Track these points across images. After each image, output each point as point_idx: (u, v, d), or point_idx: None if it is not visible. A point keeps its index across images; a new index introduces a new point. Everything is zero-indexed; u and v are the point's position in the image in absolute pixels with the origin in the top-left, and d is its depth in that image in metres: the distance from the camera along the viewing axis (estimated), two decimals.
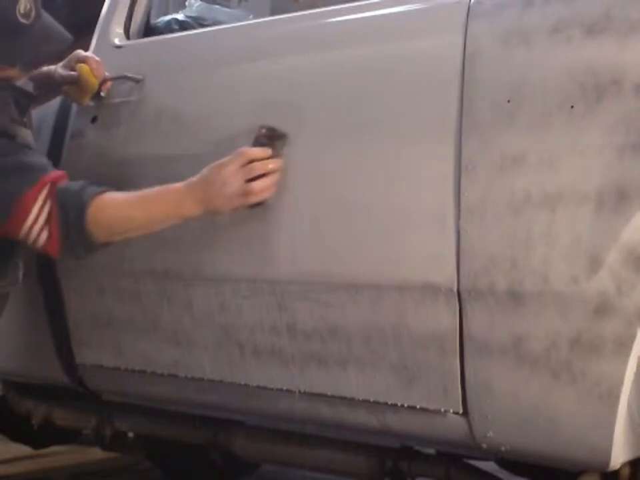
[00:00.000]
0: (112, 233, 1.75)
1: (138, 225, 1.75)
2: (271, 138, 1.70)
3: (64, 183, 1.76)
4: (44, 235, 1.73)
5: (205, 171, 1.69)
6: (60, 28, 1.89)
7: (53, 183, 1.74)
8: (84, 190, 1.74)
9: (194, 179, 1.70)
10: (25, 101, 1.91)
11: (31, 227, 1.72)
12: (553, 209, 1.39)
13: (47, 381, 2.31)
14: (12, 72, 1.85)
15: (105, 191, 1.75)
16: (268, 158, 1.68)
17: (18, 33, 1.76)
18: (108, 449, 2.44)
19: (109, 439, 2.33)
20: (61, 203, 1.72)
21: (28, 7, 1.75)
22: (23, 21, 1.74)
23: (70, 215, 1.71)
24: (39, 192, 1.72)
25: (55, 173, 1.78)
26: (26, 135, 1.86)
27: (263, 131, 1.71)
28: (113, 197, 1.75)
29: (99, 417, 2.34)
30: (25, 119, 1.90)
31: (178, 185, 1.71)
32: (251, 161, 1.67)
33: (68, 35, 1.91)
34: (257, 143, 1.71)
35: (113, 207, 1.74)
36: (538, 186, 1.41)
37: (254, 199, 1.68)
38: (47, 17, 1.83)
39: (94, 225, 1.72)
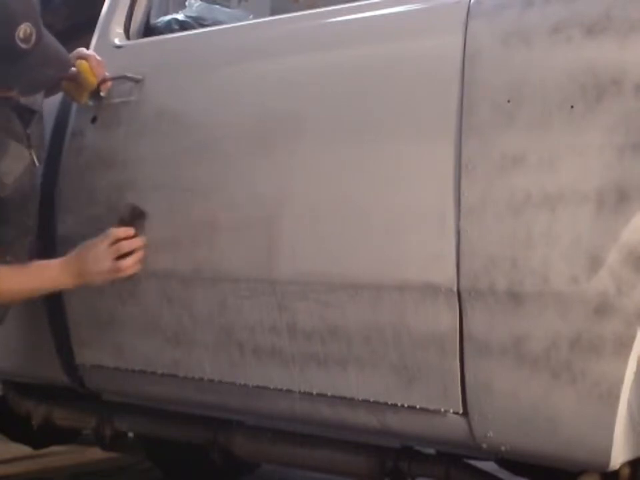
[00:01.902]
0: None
1: (18, 296, 1.93)
2: (133, 217, 1.89)
3: None
4: None
5: (79, 248, 1.88)
6: (60, 51, 1.87)
7: None
8: None
9: (69, 256, 1.89)
10: (28, 114, 1.91)
11: None
12: (553, 209, 1.39)
13: (47, 380, 2.31)
14: (11, 94, 1.85)
15: None
16: (133, 236, 1.88)
17: (16, 58, 1.74)
18: (108, 449, 2.44)
19: (108, 439, 2.33)
20: None
21: (28, 31, 1.72)
22: (23, 46, 1.72)
23: None
24: None
25: None
26: (15, 169, 1.89)
27: (126, 210, 1.89)
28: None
29: (98, 417, 2.34)
30: (29, 130, 1.91)
31: (54, 263, 1.90)
32: (118, 240, 1.86)
33: (68, 59, 1.91)
34: (122, 222, 1.90)
35: None
36: (538, 186, 1.41)
37: (123, 275, 1.87)
38: (48, 40, 1.81)
39: None
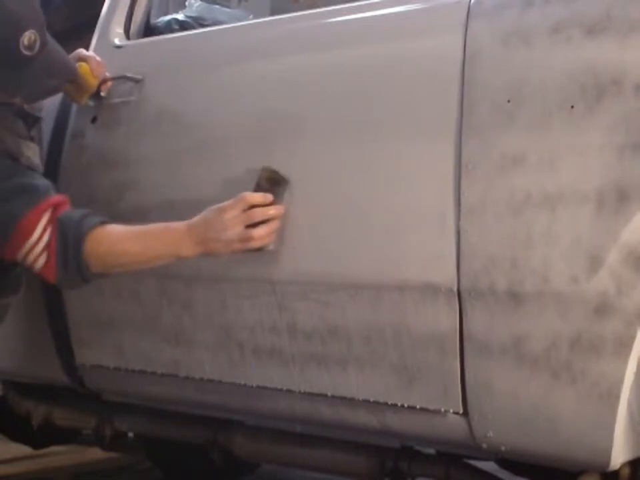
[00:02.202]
0: (108, 266, 1.75)
1: (134, 261, 1.75)
2: (273, 183, 1.68)
3: (65, 211, 1.75)
4: (41, 260, 1.73)
5: (205, 212, 1.68)
6: (65, 59, 1.87)
7: (55, 209, 1.74)
8: (84, 220, 1.73)
9: (195, 220, 1.69)
10: (31, 119, 1.92)
11: (31, 249, 1.72)
12: (553, 209, 1.39)
13: (47, 380, 2.31)
14: (15, 100, 1.84)
15: (104, 223, 1.74)
16: (269, 204, 1.67)
17: (20, 65, 1.73)
18: (108, 449, 2.44)
19: (108, 439, 2.33)
20: (61, 232, 1.72)
21: (32, 38, 1.70)
22: (26, 52, 1.71)
23: (69, 245, 1.71)
24: (41, 215, 1.72)
25: (56, 198, 1.77)
26: (32, 153, 1.86)
27: (265, 174, 1.69)
28: (112, 230, 1.74)
29: (99, 417, 2.34)
30: (32, 133, 1.91)
31: (178, 225, 1.70)
32: (252, 207, 1.66)
33: (72, 67, 1.90)
34: (259, 187, 1.69)
35: (111, 241, 1.73)
36: (538, 186, 1.41)
37: (253, 245, 1.67)
38: (53, 47, 1.80)
39: (91, 257, 1.71)
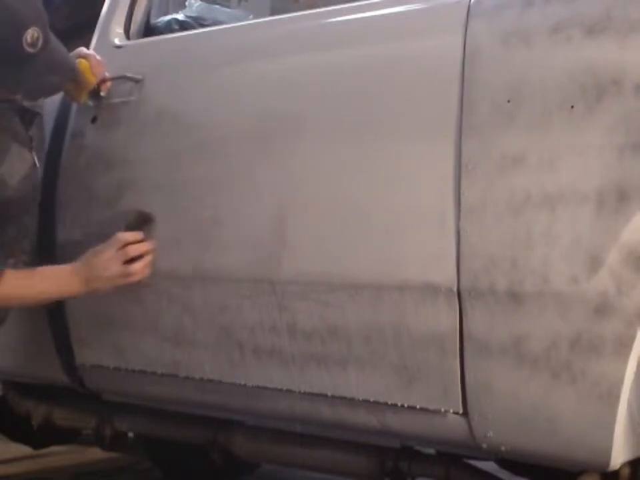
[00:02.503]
0: (5, 305, 1.92)
1: (26, 303, 1.94)
2: (141, 222, 1.88)
3: None
4: None
5: (87, 255, 1.88)
6: (67, 58, 1.87)
7: None
8: None
9: (78, 261, 1.88)
10: (29, 115, 1.92)
11: None
12: (553, 209, 1.39)
13: (47, 380, 2.31)
14: (15, 97, 1.85)
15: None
16: (141, 241, 1.87)
17: (22, 62, 1.73)
18: (108, 449, 2.44)
19: (108, 439, 2.33)
20: None
21: (35, 35, 1.71)
22: (29, 50, 1.71)
23: None
24: None
25: None
26: (15, 158, 1.87)
27: (133, 215, 1.89)
28: (4, 276, 1.84)
29: (98, 417, 2.33)
30: (30, 133, 1.91)
31: (64, 268, 1.89)
32: (126, 245, 1.85)
33: (73, 65, 1.91)
34: (129, 227, 1.89)
35: (5, 286, 1.83)
36: (538, 186, 1.41)
37: (133, 279, 1.86)
38: (55, 46, 1.81)
39: None
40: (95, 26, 2.21)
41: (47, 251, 2.07)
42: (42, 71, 1.77)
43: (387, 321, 1.58)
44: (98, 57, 2.01)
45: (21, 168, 1.88)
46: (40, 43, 1.73)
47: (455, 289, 1.49)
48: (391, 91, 1.61)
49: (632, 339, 1.34)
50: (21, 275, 1.88)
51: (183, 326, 1.88)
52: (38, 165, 1.95)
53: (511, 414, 1.47)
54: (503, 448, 1.51)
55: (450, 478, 1.77)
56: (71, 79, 1.93)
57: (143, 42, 2.18)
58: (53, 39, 1.79)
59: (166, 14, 2.27)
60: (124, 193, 1.96)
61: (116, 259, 1.85)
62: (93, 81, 2.00)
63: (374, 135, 1.61)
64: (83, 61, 1.98)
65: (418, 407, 1.58)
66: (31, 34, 1.71)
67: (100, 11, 2.23)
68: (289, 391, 1.74)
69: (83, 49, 2.03)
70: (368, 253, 1.59)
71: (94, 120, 2.07)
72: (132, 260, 1.85)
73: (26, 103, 1.90)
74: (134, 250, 1.86)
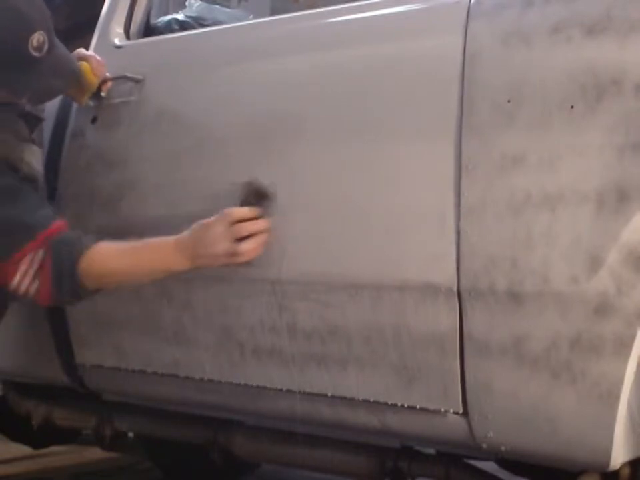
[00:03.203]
0: (102, 283, 1.79)
1: (127, 278, 1.79)
2: (259, 197, 1.70)
3: (59, 235, 1.77)
4: (33, 288, 1.75)
5: (193, 227, 1.71)
6: (71, 63, 1.88)
7: (50, 235, 1.75)
8: (77, 241, 1.76)
9: (183, 235, 1.71)
10: (34, 120, 1.92)
11: (19, 283, 1.75)
12: (553, 209, 1.39)
13: (47, 380, 2.31)
14: (20, 101, 1.85)
15: (97, 243, 1.77)
16: (255, 218, 1.69)
17: (28, 66, 1.73)
18: (108, 449, 2.44)
19: (109, 439, 2.33)
20: (56, 255, 1.74)
21: (41, 39, 1.71)
22: (35, 54, 1.71)
23: (63, 267, 1.74)
24: (31, 250, 1.74)
25: (50, 229, 1.77)
26: (33, 158, 1.87)
27: (252, 188, 1.71)
28: (105, 250, 1.77)
29: (98, 417, 2.34)
30: (33, 135, 1.91)
31: (168, 241, 1.73)
32: (239, 221, 1.67)
33: (76, 70, 1.91)
34: (245, 201, 1.71)
35: (104, 260, 1.76)
36: (538, 186, 1.41)
37: (240, 259, 1.68)
38: (60, 51, 1.81)
39: (85, 276, 1.74)
40: (94, 26, 2.21)
41: None
42: (47, 74, 1.77)
43: (386, 321, 1.58)
44: (98, 58, 2.01)
45: (29, 156, 1.88)
46: (45, 47, 1.73)
47: (455, 288, 1.49)
48: (391, 91, 1.61)
49: (632, 338, 1.34)
50: (117, 248, 1.77)
51: (183, 326, 1.88)
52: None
53: (511, 414, 1.47)
54: (502, 448, 1.51)
55: (450, 478, 1.77)
56: (74, 82, 1.94)
57: (143, 42, 2.18)
58: (58, 43, 1.80)
59: (166, 14, 2.27)
60: (124, 192, 1.96)
61: (226, 236, 1.67)
62: (94, 82, 2.00)
63: (374, 134, 1.61)
64: (84, 63, 1.98)
65: (418, 407, 1.58)
66: (36, 38, 1.71)
67: (100, 11, 2.23)
68: (289, 391, 1.74)
69: (82, 51, 2.03)
70: (368, 253, 1.59)
71: (94, 120, 2.07)
72: (243, 238, 1.68)
73: (30, 107, 1.90)
74: (247, 228, 1.67)
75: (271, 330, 1.73)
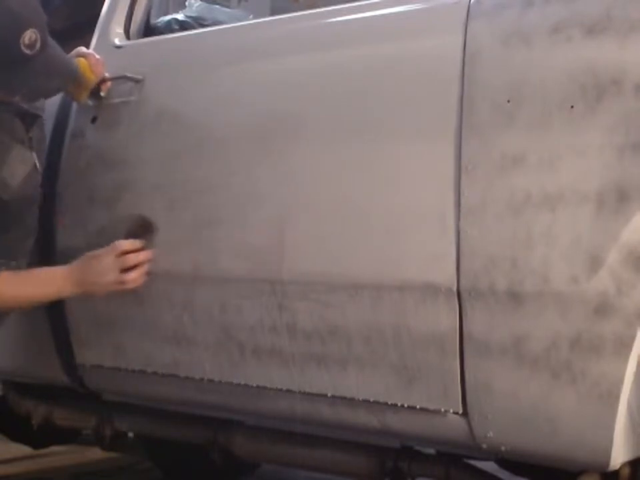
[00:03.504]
0: (3, 307, 1.94)
1: (22, 303, 1.94)
2: (144, 230, 1.88)
3: None
4: None
5: (84, 258, 1.89)
6: (66, 61, 1.87)
7: None
8: None
9: (74, 264, 1.89)
10: (30, 118, 1.92)
11: None
12: (553, 209, 1.39)
13: (47, 380, 2.31)
14: (14, 99, 1.85)
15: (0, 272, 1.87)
16: (139, 250, 1.87)
17: (20, 63, 1.73)
18: (108, 449, 2.44)
19: (109, 439, 2.33)
20: None
21: (33, 37, 1.71)
22: (27, 51, 1.71)
23: None
24: None
25: None
26: (19, 160, 1.89)
27: (136, 222, 1.88)
28: (5, 279, 1.87)
29: (99, 417, 2.33)
30: (30, 134, 1.91)
31: (58, 269, 1.92)
32: (125, 252, 1.86)
33: (73, 70, 1.91)
34: (129, 234, 1.89)
35: (3, 289, 1.87)
36: (538, 186, 1.41)
37: (127, 287, 1.88)
38: (54, 49, 1.80)
39: None
40: (94, 26, 2.21)
41: (46, 250, 2.07)
42: (40, 73, 1.76)
43: (387, 321, 1.58)
44: (97, 56, 2.01)
45: (23, 169, 1.89)
46: (38, 45, 1.72)
47: (455, 288, 1.49)
48: (391, 91, 1.61)
49: (632, 339, 1.34)
50: (16, 276, 1.89)
51: (183, 326, 1.88)
52: (38, 165, 1.95)
53: (511, 414, 1.47)
54: (503, 448, 1.51)
55: (450, 478, 1.77)
56: (70, 82, 1.93)
57: (143, 42, 2.18)
58: (52, 42, 1.79)
59: (166, 14, 2.27)
60: (124, 193, 1.96)
61: (113, 266, 1.86)
62: (92, 79, 2.00)
63: (374, 134, 1.61)
64: (82, 59, 1.98)
65: (418, 406, 1.58)
66: (28, 35, 1.70)
67: (100, 11, 2.23)
68: (289, 391, 1.74)
69: (81, 49, 2.03)
70: (368, 253, 1.59)
71: (94, 120, 2.07)
72: (129, 268, 1.87)
73: (26, 105, 1.90)
74: (131, 259, 1.86)
75: (271, 330, 1.73)
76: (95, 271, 1.87)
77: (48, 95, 1.95)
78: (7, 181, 1.85)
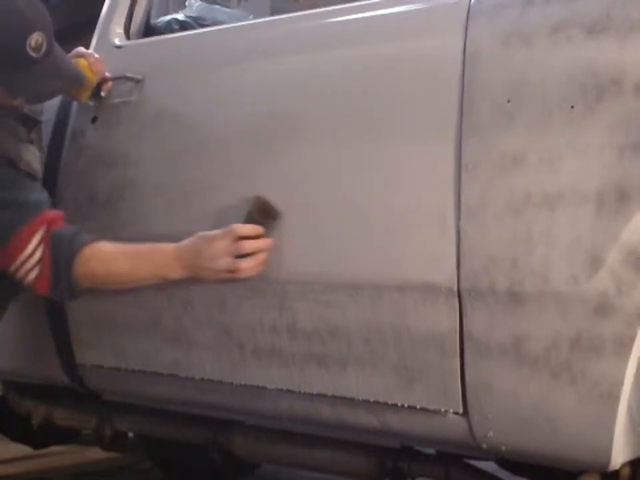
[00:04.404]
0: (96, 283, 1.81)
1: (121, 280, 1.81)
2: (265, 215, 1.69)
3: (58, 228, 1.79)
4: (33, 274, 1.78)
5: (195, 239, 1.72)
6: (70, 66, 1.87)
7: (49, 225, 1.78)
8: (76, 237, 1.78)
9: (185, 244, 1.73)
10: (31, 123, 1.92)
11: (23, 263, 1.77)
12: (553, 209, 1.39)
13: (47, 380, 2.31)
14: (16, 102, 1.85)
15: (95, 241, 1.79)
16: (259, 236, 1.69)
17: (25, 66, 1.73)
18: (108, 449, 2.44)
19: (109, 439, 2.33)
20: (54, 248, 1.76)
21: (39, 40, 1.71)
22: (32, 54, 1.71)
23: (60, 262, 1.76)
24: (35, 231, 1.76)
25: (51, 214, 1.81)
26: (31, 157, 1.87)
27: (258, 205, 1.70)
28: (102, 249, 1.79)
29: (99, 417, 2.34)
30: (31, 136, 1.91)
31: (168, 247, 1.75)
32: (242, 238, 1.68)
33: (78, 74, 1.91)
34: (250, 218, 1.70)
35: (100, 260, 1.78)
36: (538, 186, 1.41)
37: (240, 276, 1.70)
38: (59, 53, 1.81)
39: (80, 274, 1.77)
40: (94, 26, 2.21)
41: None
42: (44, 76, 1.77)
43: (387, 321, 1.58)
44: (96, 55, 2.02)
45: (27, 155, 1.88)
46: (44, 48, 1.73)
47: (455, 288, 1.49)
48: (391, 91, 1.61)
49: (632, 339, 1.34)
50: (122, 251, 1.78)
51: (183, 326, 1.88)
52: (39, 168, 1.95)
53: (511, 414, 1.47)
54: (503, 448, 1.51)
55: (450, 478, 1.77)
56: (74, 86, 1.94)
57: (143, 42, 2.18)
58: (57, 47, 1.79)
59: (166, 14, 2.27)
60: (124, 193, 1.96)
61: (228, 252, 1.68)
62: (93, 78, 2.00)
63: (374, 134, 1.61)
64: (82, 59, 1.98)
65: (418, 406, 1.58)
66: (35, 38, 1.71)
67: (100, 11, 2.23)
68: (289, 391, 1.74)
69: (81, 49, 2.03)
70: (368, 253, 1.59)
71: (94, 120, 2.07)
72: (244, 255, 1.69)
73: (27, 110, 1.90)
74: (249, 246, 1.68)
75: (271, 330, 1.73)
76: (207, 254, 1.70)
77: (50, 97, 1.96)
78: (14, 160, 1.83)
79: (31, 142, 1.92)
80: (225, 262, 1.69)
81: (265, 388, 1.78)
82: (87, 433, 2.56)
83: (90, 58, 2.00)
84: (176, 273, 1.74)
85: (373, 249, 1.59)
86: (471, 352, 1.49)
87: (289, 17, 1.91)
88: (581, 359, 1.38)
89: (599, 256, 1.35)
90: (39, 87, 1.80)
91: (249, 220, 1.71)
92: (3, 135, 1.82)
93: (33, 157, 1.89)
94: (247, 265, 1.68)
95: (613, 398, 1.37)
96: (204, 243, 1.71)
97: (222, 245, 1.69)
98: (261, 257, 1.69)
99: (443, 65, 1.55)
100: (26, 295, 2.05)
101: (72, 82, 1.91)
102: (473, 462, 1.79)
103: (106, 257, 1.78)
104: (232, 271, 1.69)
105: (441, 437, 1.61)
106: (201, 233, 1.72)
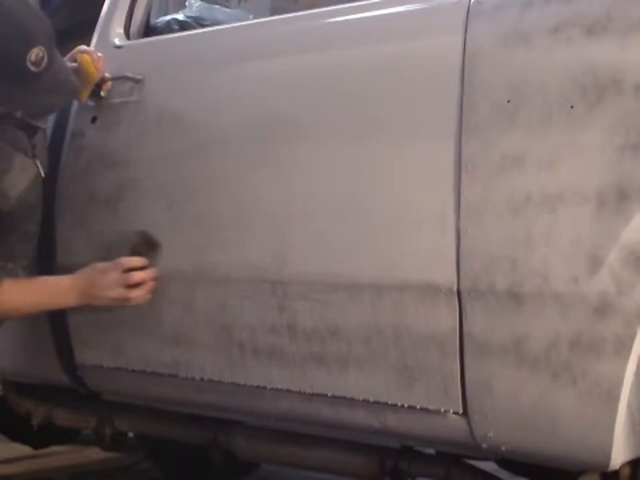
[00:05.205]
0: (5, 316, 1.96)
1: (25, 312, 1.96)
2: (148, 247, 1.88)
3: None
4: None
5: (88, 271, 1.91)
6: (70, 78, 1.86)
7: None
8: None
9: (79, 275, 1.91)
10: (31, 129, 1.91)
11: None
12: (553, 209, 1.39)
13: (47, 380, 2.31)
14: (15, 114, 1.84)
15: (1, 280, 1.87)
16: (144, 267, 1.88)
17: (24, 80, 1.72)
18: (108, 449, 2.44)
19: (109, 439, 2.33)
20: None
21: (40, 55, 1.70)
22: (32, 68, 1.70)
23: None
24: None
25: None
26: (20, 167, 1.88)
27: (141, 239, 1.89)
28: (6, 288, 1.87)
29: (99, 417, 2.33)
30: (34, 141, 1.91)
31: (63, 280, 1.93)
32: (129, 270, 1.88)
33: (76, 86, 1.90)
34: (134, 251, 1.91)
35: (5, 298, 1.88)
36: (538, 186, 1.41)
37: (131, 304, 1.90)
38: (60, 65, 1.79)
39: None
40: (94, 26, 2.21)
41: (46, 250, 2.07)
42: (43, 90, 1.75)
43: (387, 321, 1.58)
44: (99, 53, 2.01)
45: (24, 179, 1.89)
46: (44, 62, 1.71)
47: (455, 288, 1.49)
48: (391, 91, 1.61)
49: (632, 339, 1.34)
50: (19, 285, 1.90)
51: (182, 326, 1.88)
52: (42, 172, 1.95)
53: (511, 414, 1.47)
54: (503, 448, 1.51)
55: (450, 478, 1.77)
56: (73, 99, 1.94)
57: (143, 42, 2.18)
58: (58, 57, 1.78)
59: (166, 14, 2.27)
60: (124, 193, 1.96)
61: (118, 282, 1.88)
62: (95, 74, 1.98)
63: (374, 135, 1.61)
64: (85, 55, 1.97)
65: (418, 407, 1.58)
66: (35, 53, 1.69)
67: (100, 11, 2.23)
68: (289, 391, 1.74)
69: (82, 47, 2.02)
70: (368, 253, 1.59)
71: (94, 120, 2.07)
72: (133, 284, 1.88)
73: (27, 119, 1.90)
74: (136, 277, 1.87)
75: (271, 330, 1.73)
76: (100, 285, 1.89)
77: (49, 111, 1.96)
78: (7, 192, 1.85)
79: (33, 147, 1.91)
80: (116, 292, 1.89)
81: (264, 388, 1.78)
82: (87, 433, 2.56)
83: (93, 55, 1.99)
84: (72, 301, 1.92)
85: (373, 249, 1.59)
86: (471, 352, 1.49)
87: (289, 17, 1.91)
88: (581, 359, 1.38)
89: (599, 256, 1.35)
90: (37, 101, 1.79)
91: (134, 253, 1.91)
92: (1, 144, 1.82)
93: (23, 167, 1.88)
94: (136, 294, 1.88)
95: (613, 398, 1.37)
96: (97, 274, 1.90)
97: (113, 276, 1.88)
98: (149, 285, 1.88)
99: (443, 65, 1.55)
100: None
101: (69, 95, 1.91)
102: (473, 462, 1.79)
103: (9, 295, 1.88)
104: (123, 300, 1.89)
105: (441, 437, 1.61)
106: (94, 265, 1.91)
